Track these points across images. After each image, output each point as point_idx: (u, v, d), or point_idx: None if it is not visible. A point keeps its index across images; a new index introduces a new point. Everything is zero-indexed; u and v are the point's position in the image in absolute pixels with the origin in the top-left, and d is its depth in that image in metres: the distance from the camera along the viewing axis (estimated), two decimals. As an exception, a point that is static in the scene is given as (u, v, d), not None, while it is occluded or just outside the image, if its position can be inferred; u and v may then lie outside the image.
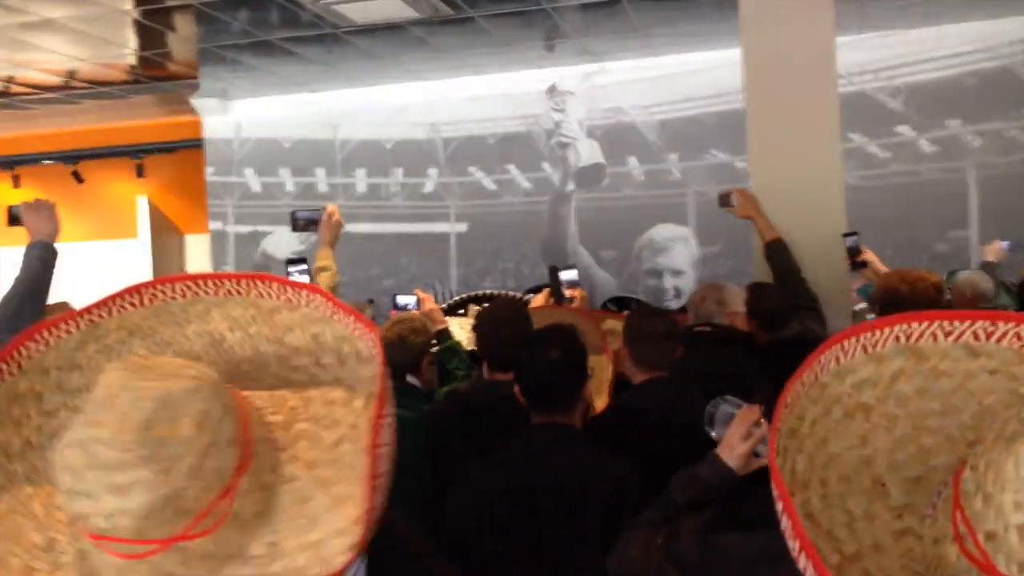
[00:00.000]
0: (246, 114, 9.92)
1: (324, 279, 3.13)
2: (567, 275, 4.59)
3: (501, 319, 3.06)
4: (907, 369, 0.91)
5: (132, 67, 8.50)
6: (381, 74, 9.03)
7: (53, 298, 2.84)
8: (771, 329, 3.53)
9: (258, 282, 1.18)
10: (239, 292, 1.18)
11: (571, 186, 9.08)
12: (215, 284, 1.18)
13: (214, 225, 10.20)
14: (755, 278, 4.04)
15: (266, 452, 1.04)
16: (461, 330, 4.05)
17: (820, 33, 4.30)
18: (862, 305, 4.20)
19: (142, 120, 10.59)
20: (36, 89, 9.08)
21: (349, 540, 0.97)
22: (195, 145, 10.09)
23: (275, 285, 1.17)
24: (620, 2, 7.05)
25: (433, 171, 9.63)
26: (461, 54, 8.40)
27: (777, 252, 3.87)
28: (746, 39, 4.35)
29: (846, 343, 0.95)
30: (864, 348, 0.93)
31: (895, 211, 7.90)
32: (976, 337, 0.88)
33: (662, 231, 8.78)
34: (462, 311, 4.50)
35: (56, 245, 2.87)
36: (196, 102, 9.58)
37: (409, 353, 3.40)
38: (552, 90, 9.07)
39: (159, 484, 0.92)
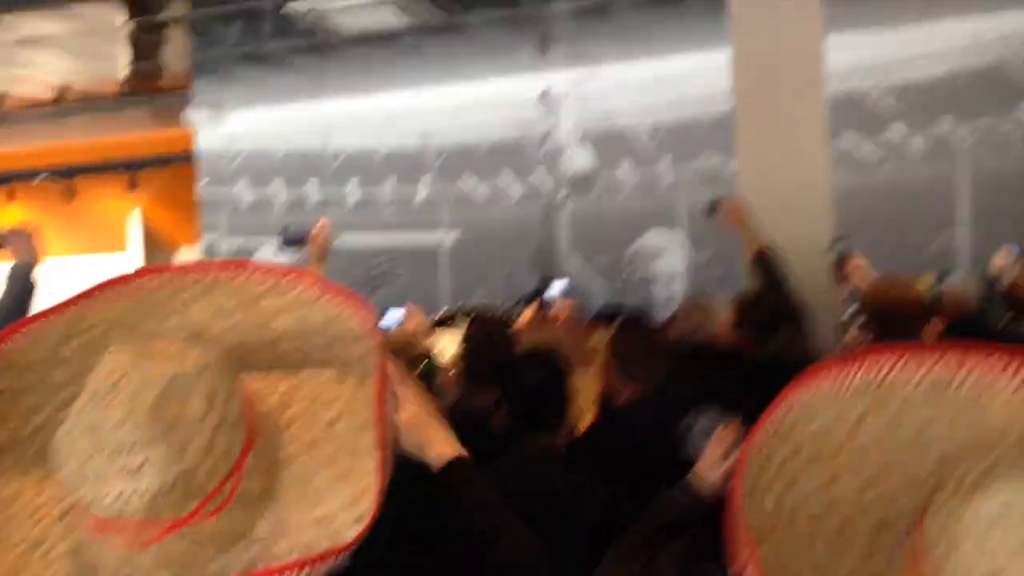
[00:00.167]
0: (239, 126, 9.91)
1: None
2: (557, 286, 4.58)
3: (485, 337, 3.06)
4: (875, 408, 0.89)
5: (124, 81, 8.52)
6: (373, 83, 9.03)
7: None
8: (760, 340, 3.51)
9: (243, 269, 1.17)
10: (224, 280, 1.17)
11: (563, 192, 9.07)
12: (200, 273, 1.17)
13: (207, 238, 10.19)
14: (747, 284, 4.02)
15: (267, 432, 1.04)
16: (453, 343, 4.03)
17: (808, 34, 4.29)
18: (852, 309, 4.18)
19: (135, 134, 10.59)
20: (29, 104, 9.10)
21: (358, 511, 0.98)
22: (187, 158, 10.10)
23: (261, 271, 1.17)
24: (611, 6, 7.06)
25: (425, 179, 9.63)
26: (453, 61, 8.41)
27: (765, 262, 3.85)
28: (734, 41, 4.34)
29: (815, 381, 0.94)
30: (833, 387, 0.92)
31: (886, 210, 7.88)
32: (945, 374, 0.87)
33: (654, 237, 8.77)
34: (449, 323, 4.48)
35: (47, 259, 2.91)
36: (189, 115, 9.59)
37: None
38: (544, 95, 9.06)
39: (172, 463, 0.92)
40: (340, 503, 0.99)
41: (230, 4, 6.38)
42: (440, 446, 1.47)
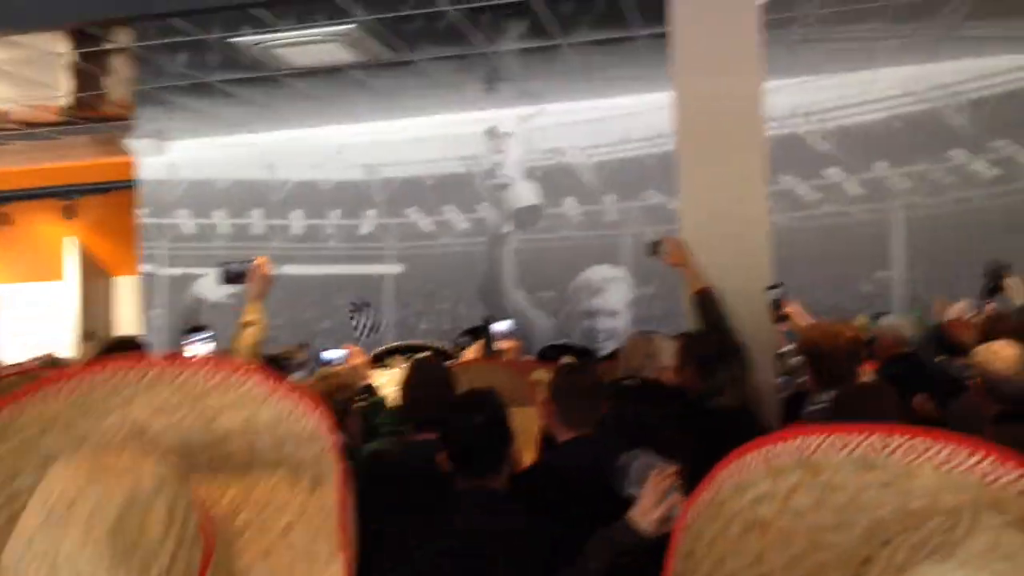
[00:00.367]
0: (182, 155, 9.81)
1: (248, 335, 3.06)
2: (500, 327, 4.59)
3: (424, 379, 3.04)
4: (803, 483, 0.90)
5: (64, 108, 8.38)
6: (319, 115, 9.02)
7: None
8: (701, 378, 3.54)
9: (190, 363, 1.12)
10: (169, 375, 1.12)
11: (508, 227, 9.12)
12: (143, 368, 1.12)
13: (145, 267, 10.02)
14: (690, 320, 4.06)
15: (221, 542, 1.01)
16: (390, 383, 4.01)
17: (748, 79, 4.37)
18: (789, 347, 4.25)
19: (73, 161, 10.41)
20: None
21: None
22: (127, 186, 9.94)
23: (207, 367, 1.12)
24: (558, 47, 7.15)
25: (371, 212, 9.60)
26: (400, 96, 8.43)
27: (705, 302, 3.89)
28: (677, 84, 4.41)
29: (745, 458, 0.94)
30: (762, 463, 0.92)
31: (823, 250, 8.06)
32: (871, 451, 0.88)
33: (597, 272, 8.85)
34: (387, 362, 4.46)
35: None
36: (131, 143, 9.46)
37: (334, 409, 3.35)
38: (491, 132, 9.13)
39: None
40: None
41: (175, 35, 6.33)
42: None
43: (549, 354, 5.04)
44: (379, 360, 4.45)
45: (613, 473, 2.20)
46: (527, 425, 3.14)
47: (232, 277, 3.26)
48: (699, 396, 3.40)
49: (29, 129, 8.97)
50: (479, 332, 4.87)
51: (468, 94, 8.46)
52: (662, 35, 4.60)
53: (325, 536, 1.03)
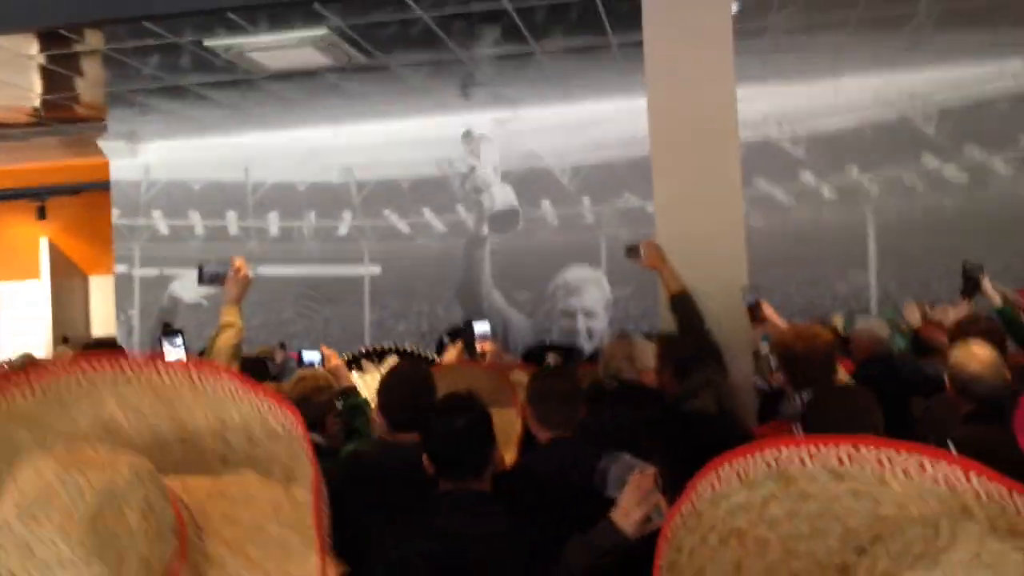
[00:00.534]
0: (155, 156, 9.75)
1: (227, 337, 3.06)
2: (479, 328, 4.61)
3: (403, 380, 3.05)
4: (777, 493, 0.92)
5: (36, 109, 8.31)
6: (295, 118, 8.98)
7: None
8: (678, 379, 3.59)
9: (160, 364, 1.13)
10: (140, 376, 1.13)
11: (485, 230, 9.14)
12: (114, 369, 1.13)
13: (119, 268, 9.95)
14: (666, 320, 4.11)
15: (194, 537, 1.02)
16: (367, 388, 4.01)
17: (722, 84, 4.43)
18: (765, 348, 4.30)
19: (45, 162, 10.32)
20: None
21: None
22: (101, 187, 9.86)
23: (178, 367, 1.13)
24: (534, 53, 7.18)
25: (347, 214, 9.59)
26: (376, 100, 8.43)
27: (681, 305, 3.94)
28: (651, 89, 4.46)
29: (720, 470, 0.96)
30: (737, 474, 0.95)
31: (798, 253, 8.16)
32: (842, 461, 0.90)
33: (575, 273, 8.89)
34: (361, 365, 4.46)
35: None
36: (103, 144, 9.38)
37: (313, 410, 3.35)
38: (467, 135, 9.14)
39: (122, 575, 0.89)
40: None
41: (148, 38, 6.29)
42: None
43: (535, 353, 5.07)
44: (353, 363, 4.45)
45: (593, 475, 2.23)
46: (507, 427, 3.16)
47: (210, 278, 3.25)
48: (676, 399, 3.44)
49: (1, 130, 8.88)
50: (461, 333, 4.89)
51: (444, 98, 8.47)
52: (636, 43, 4.64)
53: (299, 531, 1.04)
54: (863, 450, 0.89)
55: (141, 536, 0.92)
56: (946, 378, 3.05)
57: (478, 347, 4.49)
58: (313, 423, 3.36)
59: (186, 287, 9.49)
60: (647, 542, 1.99)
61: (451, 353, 4.42)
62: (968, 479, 0.85)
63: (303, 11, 5.97)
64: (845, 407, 2.36)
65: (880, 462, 0.88)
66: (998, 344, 3.18)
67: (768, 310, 3.91)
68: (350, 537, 2.57)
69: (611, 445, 2.43)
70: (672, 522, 0.96)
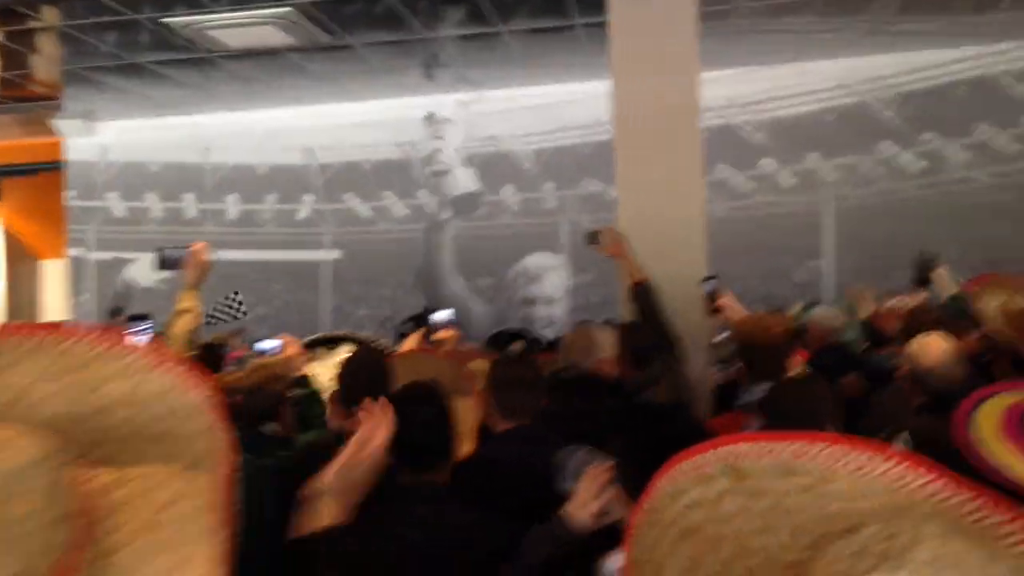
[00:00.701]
0: (112, 136, 9.57)
1: (184, 323, 3.02)
2: (439, 316, 4.58)
3: (364, 366, 3.02)
4: (730, 489, 0.92)
5: (-11, 87, 8.13)
6: (256, 98, 8.87)
7: None
8: (637, 368, 3.59)
9: (72, 333, 1.08)
10: (50, 344, 1.07)
11: (447, 214, 9.09)
12: (23, 336, 1.07)
13: (73, 251, 9.77)
14: (626, 309, 4.11)
15: (99, 518, 0.98)
16: (318, 376, 3.97)
17: (685, 70, 4.43)
18: (722, 336, 4.32)
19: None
20: None
21: None
22: (55, 167, 9.67)
23: (92, 335, 1.08)
24: (499, 34, 7.13)
25: (308, 197, 9.49)
26: (338, 80, 8.33)
27: (641, 294, 3.94)
28: (614, 73, 4.45)
29: (679, 465, 0.96)
30: (693, 469, 0.94)
31: (758, 240, 8.21)
32: (792, 457, 0.90)
33: (535, 260, 8.88)
34: (318, 348, 4.41)
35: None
36: (58, 123, 9.19)
37: (267, 400, 3.32)
38: (429, 117, 9.08)
39: (10, 564, 0.86)
40: None
41: (105, 14, 6.16)
42: None
43: (498, 340, 5.04)
44: (307, 350, 4.40)
45: (550, 468, 2.23)
46: (465, 416, 3.14)
47: (169, 263, 3.20)
48: (634, 388, 3.45)
49: (-49, 108, 8.69)
50: (421, 320, 4.86)
51: (407, 79, 8.40)
52: (600, 24, 4.63)
53: (204, 515, 1.01)
54: (813, 446, 0.89)
55: (43, 519, 0.89)
56: (900, 368, 3.08)
57: (439, 335, 4.47)
58: (266, 412, 3.33)
59: (141, 271, 9.35)
60: (604, 534, 1.99)
61: (409, 341, 4.39)
62: (912, 476, 0.85)
63: (263, -13, 5.89)
64: (804, 399, 2.37)
65: (829, 458, 0.88)
66: (952, 333, 3.20)
67: (730, 299, 3.92)
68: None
69: (569, 435, 2.43)
70: (635, 518, 0.96)
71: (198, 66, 7.64)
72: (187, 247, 3.14)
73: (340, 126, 9.21)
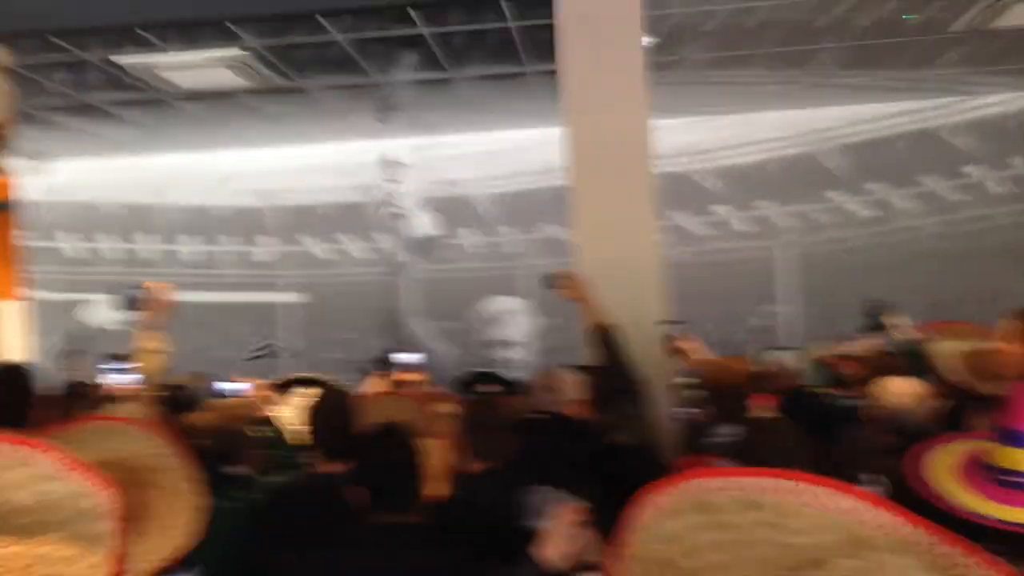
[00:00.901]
0: (62, 176, 9.43)
1: (158, 363, 3.02)
2: (404, 358, 4.58)
3: (329, 411, 3.02)
4: (701, 523, 0.95)
5: (-64, 125, 7.97)
6: (210, 140, 8.83)
7: None
8: (600, 411, 3.62)
9: None
10: None
11: (404, 256, 9.09)
12: None
13: (26, 292, 9.54)
14: (589, 352, 4.13)
15: None
16: (290, 414, 3.94)
17: (636, 117, 4.50)
18: (683, 378, 4.37)
19: (-55, 181, 9.87)
20: None
21: None
22: (5, 208, 9.47)
23: (5, 445, 1.13)
24: (451, 79, 7.21)
25: (262, 240, 9.43)
26: (293, 123, 8.34)
27: (601, 338, 3.95)
28: (568, 120, 4.51)
29: (650, 501, 1.00)
30: (666, 504, 0.98)
31: (713, 285, 8.33)
32: (758, 492, 0.94)
33: (497, 303, 8.90)
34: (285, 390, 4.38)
35: None
36: (6, 163, 9.02)
37: (230, 440, 3.29)
38: (385, 161, 9.10)
39: None
40: None
41: (54, 52, 6.11)
42: None
43: (468, 382, 5.01)
44: (278, 391, 4.36)
45: (519, 508, 2.25)
46: (434, 457, 3.15)
47: (132, 304, 3.18)
48: (599, 431, 3.47)
49: None
50: (383, 363, 4.84)
51: (361, 123, 8.42)
52: (553, 71, 4.71)
53: None
54: (776, 482, 0.93)
55: None
56: (866, 410, 3.17)
57: (405, 377, 4.46)
58: (230, 453, 3.30)
59: (96, 312, 9.17)
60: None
61: (373, 383, 4.38)
62: (869, 513, 0.89)
63: (215, 29, 5.88)
64: (778, 441, 2.43)
65: (792, 493, 0.92)
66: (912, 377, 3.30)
67: (691, 343, 3.98)
68: (275, 569, 2.52)
69: (537, 477, 2.45)
70: (610, 555, 0.99)
71: (151, 107, 7.60)
72: (146, 288, 3.13)
73: (294, 169, 9.20)
